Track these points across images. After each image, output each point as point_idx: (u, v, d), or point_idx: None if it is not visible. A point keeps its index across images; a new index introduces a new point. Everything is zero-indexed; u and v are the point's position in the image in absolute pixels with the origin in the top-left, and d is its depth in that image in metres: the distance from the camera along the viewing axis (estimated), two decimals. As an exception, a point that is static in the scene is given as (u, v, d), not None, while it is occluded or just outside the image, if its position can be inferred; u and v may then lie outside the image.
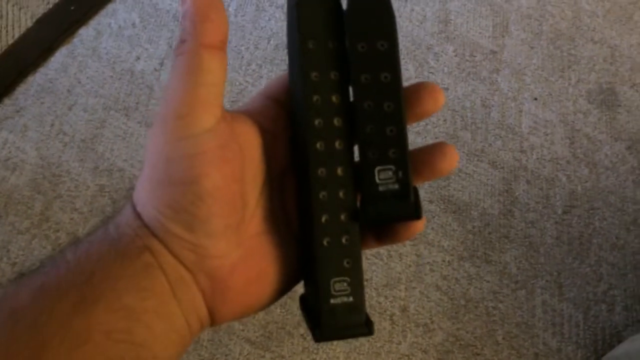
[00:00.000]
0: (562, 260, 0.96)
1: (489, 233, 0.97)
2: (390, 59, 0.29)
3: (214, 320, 0.29)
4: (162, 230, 0.26)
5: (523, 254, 0.96)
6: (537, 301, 0.93)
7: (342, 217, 0.29)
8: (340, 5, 0.29)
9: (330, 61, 0.29)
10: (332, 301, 0.28)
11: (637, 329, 0.92)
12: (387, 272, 0.93)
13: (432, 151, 0.29)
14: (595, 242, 0.98)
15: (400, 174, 0.28)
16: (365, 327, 0.29)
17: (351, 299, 0.29)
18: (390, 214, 0.28)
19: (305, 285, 0.30)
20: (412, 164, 0.29)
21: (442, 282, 0.93)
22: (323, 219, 0.28)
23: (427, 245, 0.95)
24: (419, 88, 0.29)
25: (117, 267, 0.25)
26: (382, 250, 0.94)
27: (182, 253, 0.27)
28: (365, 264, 0.92)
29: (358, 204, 0.29)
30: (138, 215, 0.27)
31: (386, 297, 0.91)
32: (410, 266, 0.93)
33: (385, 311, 0.90)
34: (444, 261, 0.94)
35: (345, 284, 0.29)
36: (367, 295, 0.89)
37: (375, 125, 0.28)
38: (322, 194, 0.28)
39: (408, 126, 0.29)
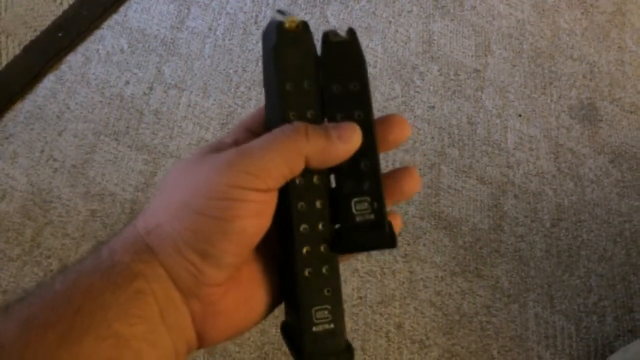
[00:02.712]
0: (552, 272, 0.98)
1: (480, 248, 0.98)
2: (363, 99, 0.31)
3: (202, 342, 0.29)
4: (172, 249, 0.27)
5: (514, 267, 0.97)
6: (530, 314, 0.94)
7: (322, 248, 0.30)
8: (314, 47, 0.31)
9: (307, 101, 0.31)
10: (314, 329, 0.30)
11: (629, 339, 0.93)
12: (381, 289, 0.93)
13: (400, 175, 0.32)
14: (584, 254, 1.00)
15: (375, 205, 0.30)
16: (346, 353, 0.31)
17: (332, 325, 0.30)
18: (367, 243, 0.30)
19: (287, 313, 0.32)
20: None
21: (436, 298, 0.94)
22: (304, 251, 0.30)
23: (419, 262, 0.96)
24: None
25: (108, 296, 0.26)
26: (376, 267, 0.94)
27: (183, 275, 0.27)
28: (358, 282, 0.93)
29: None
30: (139, 237, 0.28)
31: (381, 315, 0.91)
32: (403, 283, 0.94)
33: (380, 329, 0.90)
34: (436, 277, 0.95)
35: (326, 312, 0.30)
36: (362, 313, 0.89)
37: (350, 159, 0.30)
38: (303, 227, 0.30)
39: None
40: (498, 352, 0.91)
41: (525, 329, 0.93)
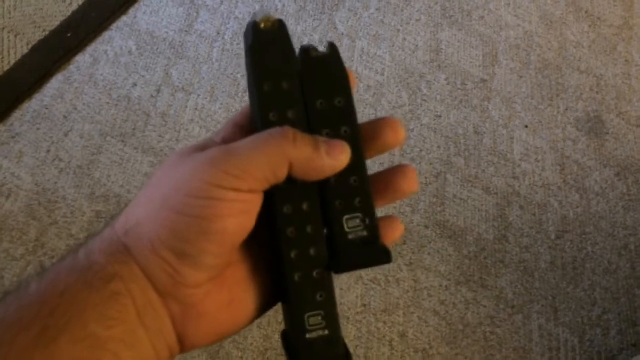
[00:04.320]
0: (557, 285, 0.97)
1: (485, 258, 0.98)
2: (348, 114, 0.30)
3: (184, 346, 0.29)
4: (149, 249, 0.26)
5: (519, 278, 0.97)
6: (534, 326, 0.94)
7: (312, 251, 0.29)
8: (292, 46, 0.30)
9: (287, 101, 0.30)
10: (308, 336, 0.29)
11: (632, 353, 0.93)
12: (386, 297, 0.93)
13: (394, 173, 0.31)
14: (589, 266, 0.99)
15: (367, 221, 0.29)
16: (345, 359, 0.30)
17: (327, 332, 0.29)
18: (363, 261, 0.30)
19: (284, 320, 0.31)
20: (374, 186, 0.30)
21: (440, 307, 0.93)
22: (293, 255, 0.29)
23: (424, 271, 0.95)
24: (380, 122, 0.31)
25: (85, 296, 0.25)
26: (380, 275, 0.94)
27: (159, 276, 0.27)
28: (362, 289, 0.92)
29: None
30: (116, 237, 0.27)
31: (385, 323, 0.91)
32: (408, 291, 0.94)
33: (384, 337, 0.90)
34: (441, 286, 0.95)
35: (319, 318, 0.29)
36: (365, 321, 0.89)
37: (339, 175, 0.29)
38: (290, 230, 0.29)
39: (376, 158, 0.30)
40: (501, 364, 0.91)
41: (529, 341, 0.93)
